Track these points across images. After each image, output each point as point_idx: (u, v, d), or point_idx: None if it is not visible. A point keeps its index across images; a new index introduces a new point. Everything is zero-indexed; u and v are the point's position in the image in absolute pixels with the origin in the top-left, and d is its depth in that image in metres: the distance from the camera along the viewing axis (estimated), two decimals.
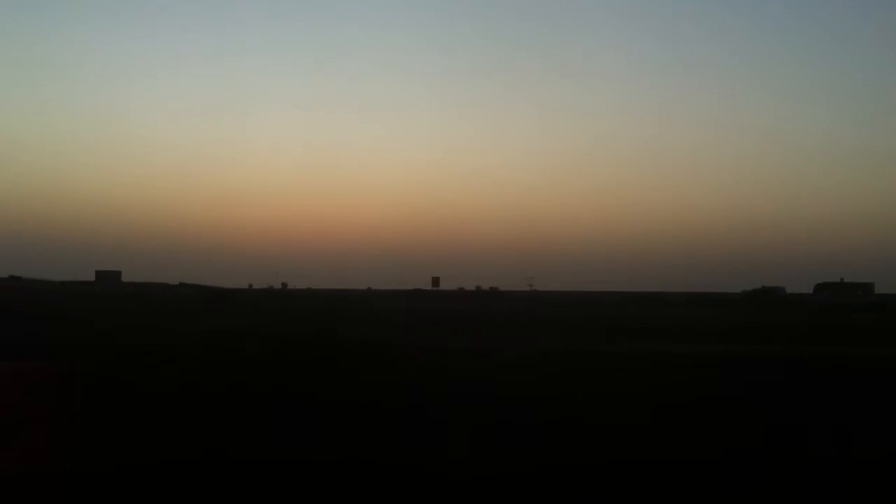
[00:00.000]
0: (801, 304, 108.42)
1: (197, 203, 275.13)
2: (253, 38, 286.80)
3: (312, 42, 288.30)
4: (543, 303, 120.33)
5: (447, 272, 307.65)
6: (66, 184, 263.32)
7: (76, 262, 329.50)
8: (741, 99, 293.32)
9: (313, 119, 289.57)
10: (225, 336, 35.75)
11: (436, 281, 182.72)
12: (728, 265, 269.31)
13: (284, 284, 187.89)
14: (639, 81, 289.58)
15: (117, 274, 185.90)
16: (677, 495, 12.22)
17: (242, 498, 11.32)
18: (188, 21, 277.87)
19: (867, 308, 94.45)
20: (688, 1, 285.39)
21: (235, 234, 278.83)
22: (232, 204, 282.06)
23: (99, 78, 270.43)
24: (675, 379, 25.67)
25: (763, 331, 56.78)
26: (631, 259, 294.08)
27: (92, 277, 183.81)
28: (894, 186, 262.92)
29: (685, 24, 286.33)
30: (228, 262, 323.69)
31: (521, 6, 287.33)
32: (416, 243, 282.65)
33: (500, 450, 14.45)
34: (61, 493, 8.67)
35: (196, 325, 50.62)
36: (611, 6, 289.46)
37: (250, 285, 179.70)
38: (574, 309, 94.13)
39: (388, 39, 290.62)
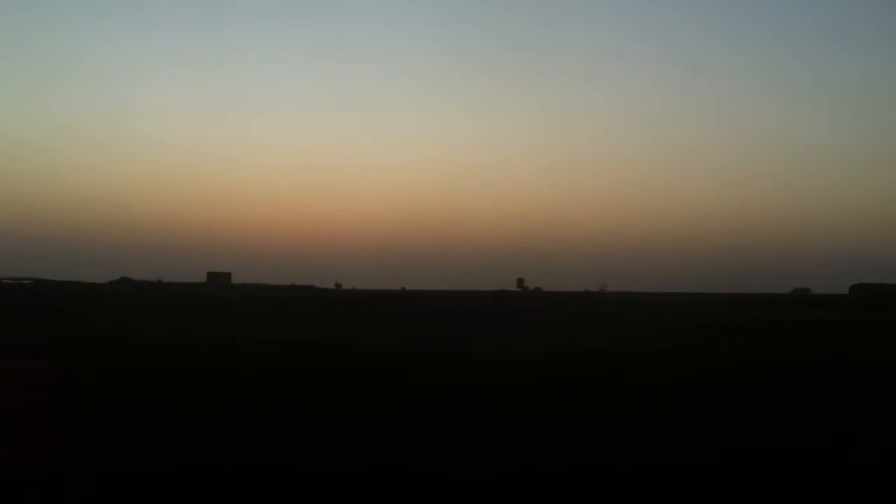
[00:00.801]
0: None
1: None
2: (253, 39, 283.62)
3: (313, 42, 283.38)
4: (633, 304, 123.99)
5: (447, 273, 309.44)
6: (183, 188, 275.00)
7: (191, 263, 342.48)
8: (742, 99, 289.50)
9: (319, 119, 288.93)
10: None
11: (520, 282, 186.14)
12: (727, 266, 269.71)
13: (339, 286, 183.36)
14: (639, 81, 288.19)
15: (227, 275, 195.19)
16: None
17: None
18: (188, 21, 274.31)
19: None
20: (688, 1, 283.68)
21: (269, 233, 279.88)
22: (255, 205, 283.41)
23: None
24: None
25: None
26: (631, 259, 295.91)
27: (204, 279, 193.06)
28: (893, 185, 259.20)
29: (685, 24, 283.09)
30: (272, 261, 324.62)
31: (521, 6, 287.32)
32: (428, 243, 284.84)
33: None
34: (61, 493, 8.69)
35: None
36: (611, 6, 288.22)
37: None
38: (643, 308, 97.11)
39: (388, 39, 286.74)
